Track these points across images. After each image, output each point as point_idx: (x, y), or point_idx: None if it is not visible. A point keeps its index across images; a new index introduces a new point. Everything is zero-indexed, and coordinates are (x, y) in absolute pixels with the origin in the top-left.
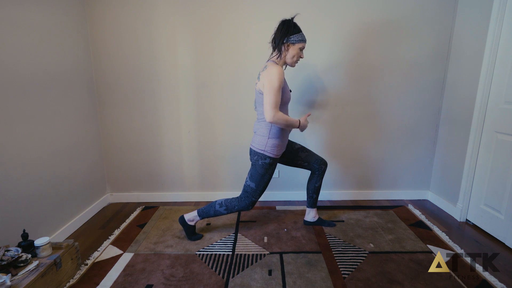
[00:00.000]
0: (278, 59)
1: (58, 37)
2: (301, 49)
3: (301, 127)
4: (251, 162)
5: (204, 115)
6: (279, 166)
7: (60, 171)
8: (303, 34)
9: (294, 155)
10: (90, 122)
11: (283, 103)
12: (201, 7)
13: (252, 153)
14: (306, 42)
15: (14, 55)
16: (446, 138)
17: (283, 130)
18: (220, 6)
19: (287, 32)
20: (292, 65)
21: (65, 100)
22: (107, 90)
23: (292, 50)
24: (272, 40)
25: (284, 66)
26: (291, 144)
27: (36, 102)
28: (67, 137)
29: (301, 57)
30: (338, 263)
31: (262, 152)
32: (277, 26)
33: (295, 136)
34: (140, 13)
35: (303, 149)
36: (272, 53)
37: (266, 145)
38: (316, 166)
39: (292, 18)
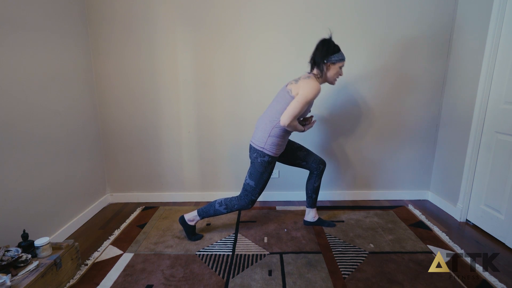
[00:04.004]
0: (320, 78)
1: (58, 39)
2: (341, 67)
3: (302, 132)
4: (250, 160)
5: (204, 115)
6: (279, 166)
7: (60, 171)
8: (342, 53)
9: (292, 154)
10: (90, 122)
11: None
12: (202, 8)
13: (252, 149)
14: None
15: (15, 57)
16: (446, 138)
17: (286, 131)
18: (220, 8)
19: (328, 52)
20: (333, 83)
21: (65, 100)
22: (107, 90)
23: (333, 69)
24: (312, 58)
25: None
26: (290, 143)
27: (36, 102)
28: (67, 137)
29: (341, 75)
30: (338, 264)
31: (261, 149)
32: (316, 45)
33: (294, 134)
34: (140, 14)
35: (301, 148)
36: (312, 69)
37: (266, 142)
38: (314, 166)
39: (331, 38)
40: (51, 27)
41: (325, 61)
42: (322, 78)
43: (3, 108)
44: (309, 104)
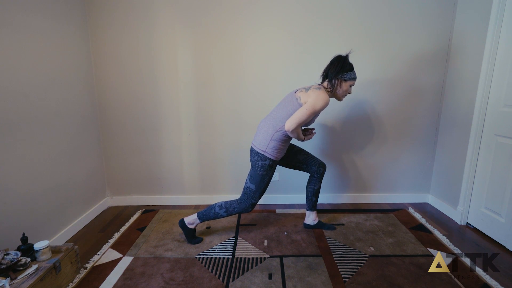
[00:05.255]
0: (329, 92)
1: (59, 41)
2: (351, 86)
3: (302, 141)
4: (251, 163)
5: (204, 118)
6: (279, 169)
7: (60, 174)
8: (355, 73)
9: (292, 157)
10: (90, 125)
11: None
12: (201, 12)
13: (253, 152)
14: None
15: (16, 58)
16: (446, 141)
17: (288, 136)
18: (220, 11)
19: (342, 69)
20: (340, 99)
21: (65, 103)
22: (108, 93)
23: (344, 86)
24: (324, 72)
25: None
26: (290, 146)
27: (36, 105)
28: (67, 140)
29: (349, 93)
30: (338, 267)
31: (262, 152)
32: (331, 61)
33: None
34: (140, 17)
35: (301, 151)
36: (322, 81)
37: (267, 146)
38: (314, 169)
39: (347, 56)
40: (52, 29)
41: (337, 77)
42: (332, 92)
43: (3, 109)
44: (315, 114)
